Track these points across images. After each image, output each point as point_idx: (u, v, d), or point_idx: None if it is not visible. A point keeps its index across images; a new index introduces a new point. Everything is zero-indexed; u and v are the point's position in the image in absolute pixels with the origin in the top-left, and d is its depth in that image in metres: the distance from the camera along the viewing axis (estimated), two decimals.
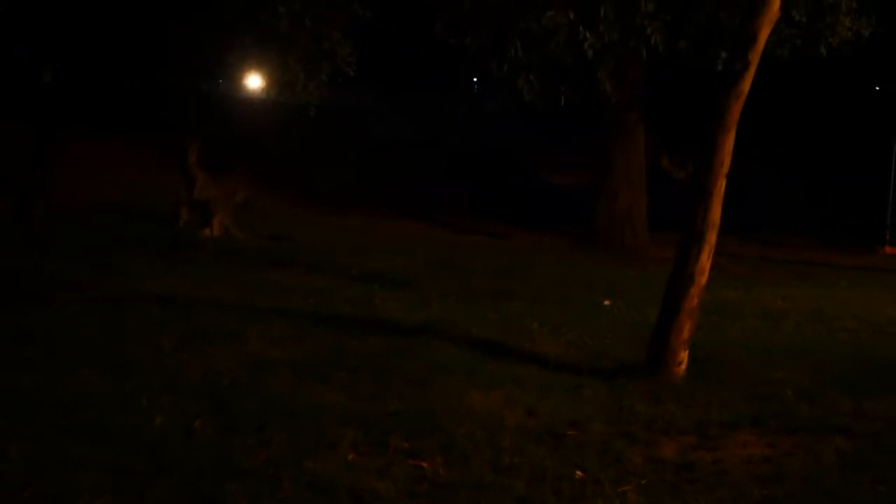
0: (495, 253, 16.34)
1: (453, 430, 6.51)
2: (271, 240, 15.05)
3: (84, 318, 8.93)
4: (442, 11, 13.49)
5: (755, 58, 8.17)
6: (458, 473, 5.81)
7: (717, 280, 11.08)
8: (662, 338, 8.10)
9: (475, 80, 33.07)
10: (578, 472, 5.93)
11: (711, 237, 8.16)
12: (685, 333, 8.08)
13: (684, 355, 8.09)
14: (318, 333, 8.99)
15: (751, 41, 8.14)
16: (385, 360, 8.21)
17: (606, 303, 11.58)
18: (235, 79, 26.28)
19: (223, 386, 7.19)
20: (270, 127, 23.04)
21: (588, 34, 12.63)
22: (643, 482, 5.82)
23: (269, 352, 8.27)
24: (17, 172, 14.11)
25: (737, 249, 17.72)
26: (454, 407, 7.07)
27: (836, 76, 23.48)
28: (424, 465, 5.92)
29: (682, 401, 7.42)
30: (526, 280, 13.22)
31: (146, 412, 6.43)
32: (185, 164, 15.32)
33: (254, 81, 27.13)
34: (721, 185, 8.17)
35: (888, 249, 20.11)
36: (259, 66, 16.33)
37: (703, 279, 8.15)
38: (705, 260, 8.14)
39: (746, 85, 8.17)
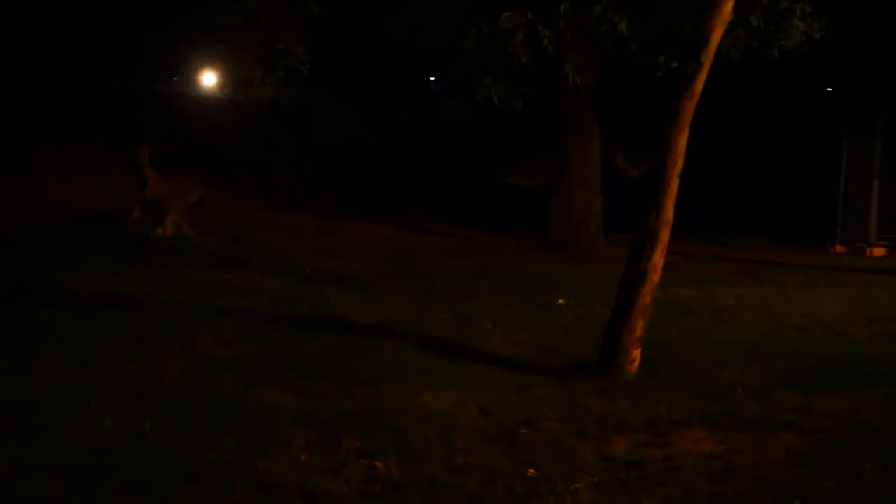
0: (450, 253, 16.33)
1: (406, 430, 6.51)
2: (224, 239, 14.95)
3: (32, 319, 8.84)
4: (398, 12, 13.49)
5: (708, 59, 8.23)
6: (411, 473, 5.81)
7: (670, 279, 11.15)
8: (615, 336, 8.15)
9: (432, 80, 33.08)
10: (531, 471, 5.95)
11: (664, 236, 8.21)
12: (638, 331, 8.12)
13: (637, 353, 8.14)
14: (271, 334, 8.96)
15: (704, 43, 8.21)
16: (338, 361, 8.20)
17: (561, 302, 11.62)
18: (190, 77, 26.15)
19: (174, 387, 7.15)
20: (225, 126, 22.90)
21: (546, 31, 12.66)
22: (595, 480, 5.85)
23: (222, 353, 8.23)
24: None
25: (691, 248, 17.83)
26: (407, 407, 7.08)
27: (789, 78, 23.71)
28: (377, 464, 5.92)
29: (634, 398, 7.47)
30: (481, 280, 13.22)
31: (96, 414, 6.39)
32: (137, 164, 15.19)
33: (209, 79, 26.96)
34: (674, 185, 8.23)
35: (839, 248, 20.30)
36: (214, 63, 16.24)
37: (655, 277, 8.20)
38: (658, 258, 8.19)
39: (699, 86, 8.24)
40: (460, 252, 16.70)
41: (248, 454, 5.89)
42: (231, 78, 14.09)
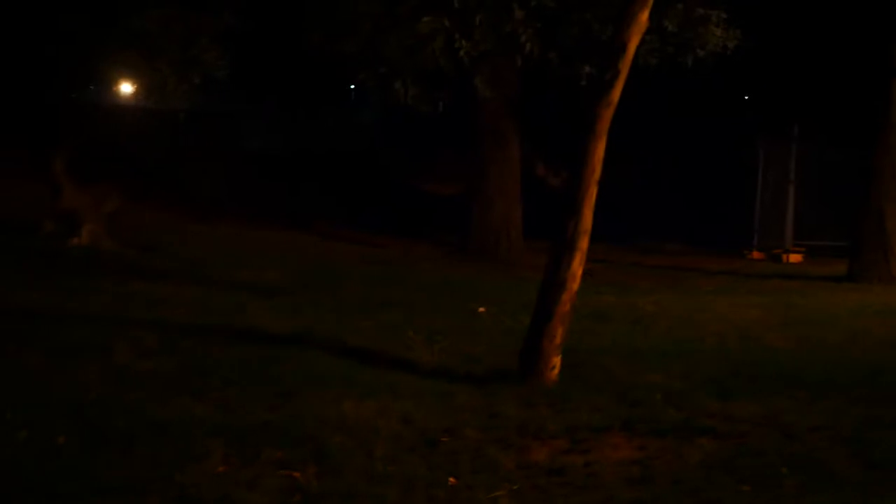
0: (371, 262, 16.31)
1: (326, 440, 6.45)
2: (141, 249, 14.78)
3: None
4: (315, 19, 13.43)
5: (625, 67, 8.29)
6: (330, 483, 5.76)
7: (590, 286, 11.24)
8: (535, 343, 8.16)
9: (352, 87, 32.97)
10: (451, 479, 5.93)
11: (583, 244, 8.24)
12: (557, 339, 8.14)
13: (557, 360, 8.16)
14: (188, 344, 8.86)
15: (620, 51, 8.26)
16: (257, 371, 8.12)
17: (481, 310, 11.63)
18: (107, 85, 25.81)
19: (90, 400, 7.02)
20: (143, 134, 22.67)
21: (464, 41, 12.70)
22: (515, 487, 5.84)
23: (138, 364, 8.11)
24: None
25: (610, 255, 17.97)
26: (327, 416, 7.02)
27: (707, 85, 23.99)
28: (297, 475, 5.86)
29: (554, 405, 7.48)
30: (401, 289, 13.20)
31: (9, 427, 6.25)
32: (52, 173, 14.96)
33: (126, 88, 26.66)
34: (592, 193, 8.26)
35: (755, 254, 20.59)
36: (130, 71, 16.07)
37: (574, 285, 8.23)
38: (577, 266, 8.22)
39: (617, 94, 8.28)
40: (380, 260, 16.67)
41: (164, 467, 5.79)
42: (146, 86, 13.94)
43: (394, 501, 5.57)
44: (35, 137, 19.02)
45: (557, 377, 8.14)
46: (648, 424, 7.09)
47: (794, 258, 20.15)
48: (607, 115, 8.27)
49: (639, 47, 8.61)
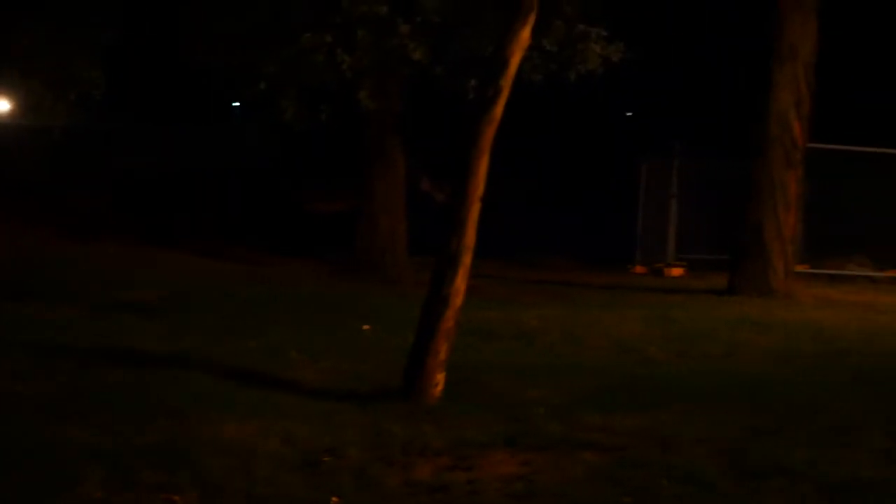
0: (255, 280, 16.14)
1: (207, 462, 6.35)
2: (18, 269, 14.43)
3: None
4: (195, 34, 13.29)
5: (507, 83, 8.33)
6: None
7: (475, 302, 11.21)
8: (419, 360, 8.14)
9: (236, 104, 32.66)
10: (334, 499, 5.88)
11: (466, 259, 8.25)
12: (441, 355, 8.14)
13: (440, 377, 8.15)
14: (65, 367, 8.66)
15: (503, 68, 8.31)
16: (137, 393, 7.97)
17: (365, 328, 11.58)
18: None
19: None
20: (21, 153, 22.15)
21: (346, 56, 12.68)
22: None
23: (11, 388, 7.91)
24: None
25: (495, 271, 18.04)
26: (208, 438, 6.91)
27: (592, 102, 24.35)
28: (176, 498, 5.76)
29: (438, 422, 7.46)
30: (286, 308, 13.08)
31: None
32: None
33: (2, 105, 26.05)
34: (476, 209, 8.28)
35: (638, 268, 20.87)
36: (5, 89, 15.74)
37: (458, 301, 8.23)
38: (460, 282, 8.22)
39: (499, 110, 8.32)
40: (265, 279, 16.51)
41: (39, 494, 5.65)
42: (21, 103, 13.67)
43: None
44: None
45: (442, 394, 8.13)
46: (532, 439, 7.12)
47: (676, 272, 20.47)
48: (490, 130, 8.30)
49: (522, 64, 8.68)
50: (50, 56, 12.27)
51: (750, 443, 7.14)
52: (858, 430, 7.61)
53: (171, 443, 6.73)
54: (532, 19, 8.35)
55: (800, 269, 18.51)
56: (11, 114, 19.88)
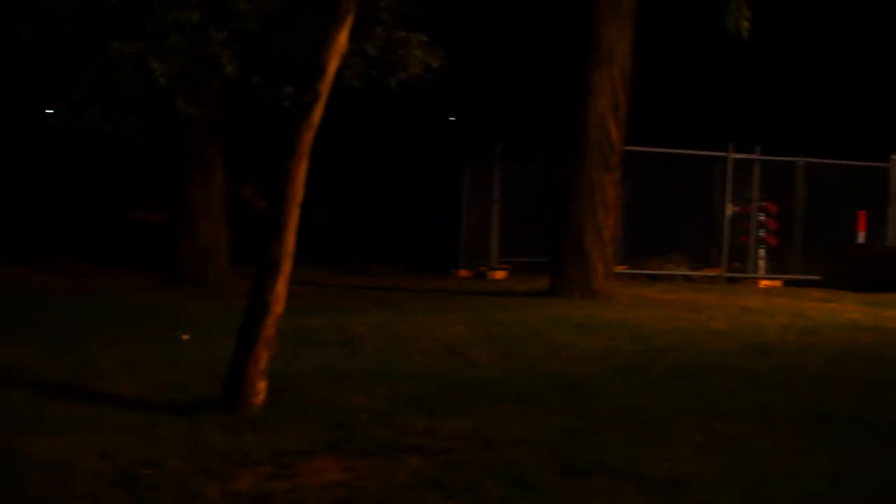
0: (72, 291, 15.70)
1: (20, 479, 6.13)
2: None
3: None
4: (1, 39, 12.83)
5: (325, 89, 8.28)
6: None
7: (298, 309, 11.16)
8: (239, 369, 8.01)
9: (50, 112, 31.71)
10: None
11: (286, 266, 8.16)
12: (262, 363, 8.02)
13: (262, 386, 8.03)
14: None
15: (320, 73, 8.25)
16: None
17: (185, 337, 11.36)
18: None
19: None
20: None
21: (157, 63, 12.41)
22: None
23: None
24: None
25: (319, 278, 17.97)
26: (20, 454, 6.65)
27: (415, 106, 24.44)
28: None
29: (259, 432, 7.36)
30: (105, 319, 12.75)
31: None
32: None
33: None
34: (295, 215, 8.20)
35: (462, 272, 21.08)
36: None
37: (279, 308, 8.13)
38: (281, 289, 8.13)
39: (317, 116, 8.26)
40: (83, 289, 16.08)
41: None
42: None
43: None
44: None
45: (264, 403, 8.02)
46: (355, 445, 7.08)
47: (499, 275, 20.77)
48: (308, 136, 8.23)
49: (343, 70, 8.66)
50: None
51: (571, 442, 7.25)
52: (676, 425, 7.82)
53: None
54: (349, 23, 8.32)
55: (620, 269, 19.01)
56: None
